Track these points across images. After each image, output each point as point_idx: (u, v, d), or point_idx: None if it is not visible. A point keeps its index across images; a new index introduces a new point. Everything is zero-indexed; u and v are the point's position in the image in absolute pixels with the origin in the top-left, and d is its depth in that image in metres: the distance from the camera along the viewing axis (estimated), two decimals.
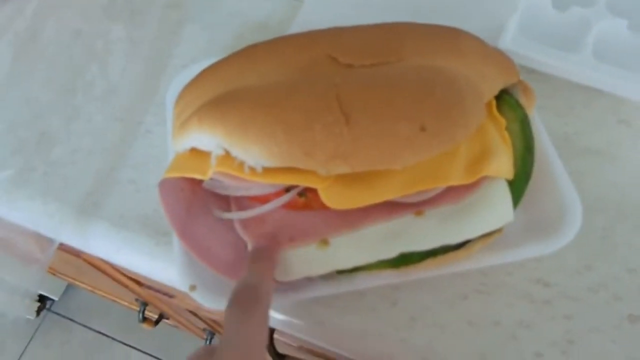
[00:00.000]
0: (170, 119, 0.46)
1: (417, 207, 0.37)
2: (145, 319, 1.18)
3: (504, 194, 0.37)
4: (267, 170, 0.35)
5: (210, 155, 0.36)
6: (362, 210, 0.36)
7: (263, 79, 0.38)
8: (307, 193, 0.38)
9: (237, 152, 0.34)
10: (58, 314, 1.64)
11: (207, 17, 0.59)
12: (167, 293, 0.87)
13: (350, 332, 0.42)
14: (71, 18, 0.59)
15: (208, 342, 1.19)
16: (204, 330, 1.16)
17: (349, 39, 0.40)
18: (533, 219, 0.39)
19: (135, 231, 0.47)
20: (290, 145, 0.33)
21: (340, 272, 0.39)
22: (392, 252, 0.37)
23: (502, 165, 0.37)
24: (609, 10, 0.49)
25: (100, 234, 0.47)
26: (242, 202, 0.40)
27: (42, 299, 1.60)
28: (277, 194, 0.38)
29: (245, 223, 0.39)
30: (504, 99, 0.41)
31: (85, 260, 0.84)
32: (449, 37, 0.40)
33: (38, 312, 1.59)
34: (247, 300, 0.33)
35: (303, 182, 0.35)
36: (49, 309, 1.64)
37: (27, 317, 1.55)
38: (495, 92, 0.39)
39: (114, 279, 0.92)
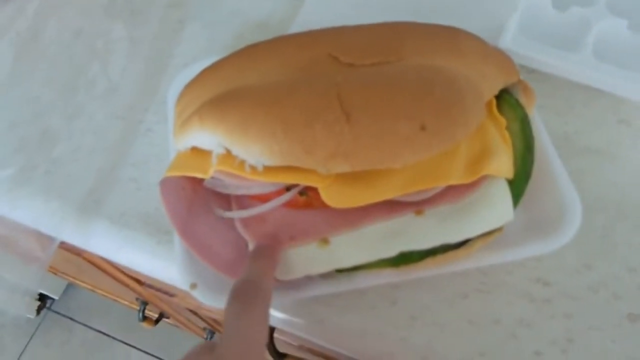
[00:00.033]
0: (171, 117, 0.46)
1: (417, 206, 0.37)
2: (145, 318, 1.18)
3: (504, 193, 0.37)
4: (267, 169, 0.35)
5: (211, 154, 0.36)
6: (363, 209, 0.36)
7: (264, 78, 0.38)
8: (308, 192, 0.38)
9: (238, 150, 0.35)
10: (58, 312, 1.64)
11: (207, 16, 0.59)
12: (167, 292, 0.87)
13: (350, 331, 0.42)
14: (72, 17, 0.59)
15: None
16: (204, 329, 1.16)
17: (349, 38, 0.40)
18: (533, 218, 0.39)
19: (137, 229, 0.47)
20: (291, 143, 0.33)
21: (340, 271, 0.39)
22: (392, 251, 0.37)
23: (502, 164, 0.37)
24: (609, 10, 0.49)
25: (101, 232, 0.47)
26: (243, 201, 0.40)
27: (42, 297, 1.60)
28: (278, 193, 0.38)
29: (246, 222, 0.39)
30: (504, 98, 0.41)
31: (85, 259, 0.84)
32: (449, 36, 0.40)
33: (38, 311, 1.59)
34: (248, 295, 0.33)
35: (304, 180, 0.35)
36: (49, 308, 1.64)
37: (28, 315, 1.55)
38: (496, 91, 0.39)
39: (115, 278, 0.92)
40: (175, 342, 1.51)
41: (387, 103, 0.34)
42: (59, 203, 0.48)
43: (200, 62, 0.43)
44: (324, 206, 0.36)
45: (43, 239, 0.51)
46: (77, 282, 1.25)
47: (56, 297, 1.61)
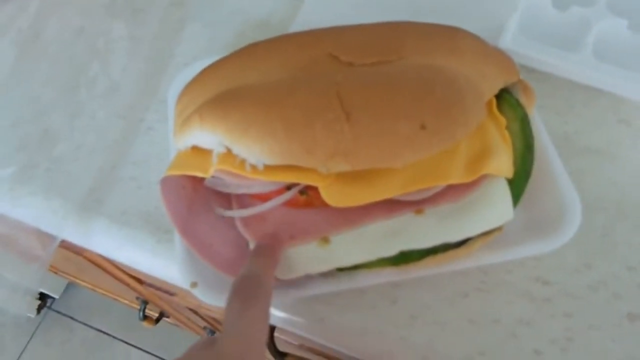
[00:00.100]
0: (171, 116, 0.46)
1: (417, 205, 0.37)
2: (145, 317, 1.18)
3: (504, 193, 0.37)
4: (268, 168, 0.35)
5: (212, 153, 0.36)
6: (363, 208, 0.36)
7: (264, 78, 0.38)
8: (308, 191, 0.38)
9: (239, 149, 0.35)
10: (59, 312, 1.64)
11: (208, 15, 0.59)
12: (168, 291, 0.88)
13: (350, 330, 0.42)
14: (73, 16, 0.59)
15: None
16: (204, 328, 1.16)
17: (350, 37, 0.40)
18: (533, 218, 0.40)
19: (137, 228, 0.47)
20: (291, 142, 0.33)
21: (341, 270, 0.39)
22: (392, 250, 0.37)
23: (502, 163, 0.37)
24: (609, 10, 0.49)
25: (102, 230, 0.47)
26: (244, 200, 0.40)
27: (42, 297, 1.60)
28: (278, 192, 0.38)
29: (246, 221, 0.39)
30: (504, 98, 0.41)
31: (86, 258, 0.84)
32: (449, 36, 0.40)
33: (39, 310, 1.59)
34: (249, 291, 0.33)
35: (304, 180, 0.35)
36: (49, 307, 1.64)
37: (28, 315, 1.55)
38: (496, 91, 0.40)
39: (115, 277, 0.92)
40: (176, 341, 1.51)
41: (387, 102, 0.34)
42: (60, 202, 0.48)
43: (201, 62, 0.43)
44: (324, 205, 0.36)
45: (44, 237, 0.51)
46: (78, 281, 1.25)
47: (56, 296, 1.61)
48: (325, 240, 0.38)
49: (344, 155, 0.33)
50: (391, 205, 0.37)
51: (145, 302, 1.13)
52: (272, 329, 0.64)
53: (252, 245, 0.38)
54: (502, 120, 0.39)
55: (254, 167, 0.35)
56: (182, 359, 0.31)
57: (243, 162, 0.35)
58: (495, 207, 0.37)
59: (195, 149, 0.38)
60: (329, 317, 0.42)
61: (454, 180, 0.36)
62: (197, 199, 0.41)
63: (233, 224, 0.40)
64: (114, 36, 0.58)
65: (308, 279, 0.39)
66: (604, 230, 0.43)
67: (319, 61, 0.38)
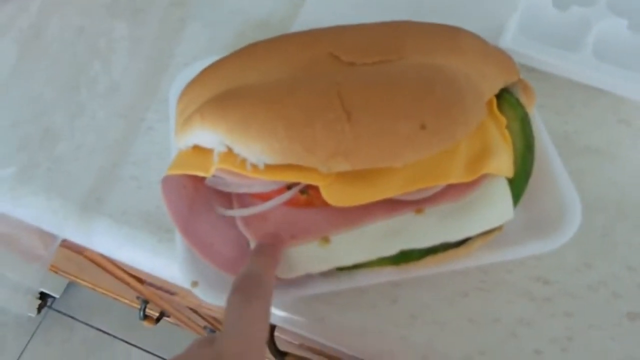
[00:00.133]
0: (172, 116, 0.47)
1: (417, 204, 0.37)
2: (146, 317, 1.18)
3: (504, 192, 0.37)
4: (269, 168, 0.35)
5: (213, 153, 0.36)
6: (363, 208, 0.36)
7: (265, 77, 0.38)
8: (309, 190, 0.38)
9: (239, 149, 0.35)
10: (59, 311, 1.64)
11: (208, 15, 0.59)
12: (168, 290, 0.88)
13: (350, 329, 0.42)
14: (74, 16, 0.59)
15: None
16: (204, 328, 1.16)
17: (350, 37, 0.40)
18: (533, 217, 0.40)
19: (138, 228, 0.47)
20: (292, 141, 0.33)
21: (341, 269, 0.39)
22: (392, 250, 0.37)
23: (503, 163, 0.37)
24: (609, 9, 0.49)
25: (103, 230, 0.47)
26: (244, 200, 0.40)
27: (43, 296, 1.60)
28: (279, 192, 0.38)
29: (247, 220, 0.39)
30: (505, 97, 0.41)
31: (86, 257, 0.84)
32: (449, 35, 0.40)
33: (39, 309, 1.59)
34: (249, 289, 0.33)
35: (304, 179, 0.35)
36: (50, 307, 1.65)
37: (29, 314, 1.55)
38: (496, 90, 0.40)
39: (116, 277, 0.92)
40: (176, 340, 1.51)
41: (388, 102, 0.34)
42: (61, 201, 0.48)
43: (201, 61, 0.44)
44: (324, 205, 0.36)
45: (45, 236, 0.51)
46: (78, 280, 1.25)
47: (57, 296, 1.61)
48: (326, 239, 0.38)
49: (345, 155, 0.33)
50: (391, 205, 0.37)
51: (145, 302, 1.13)
52: (273, 328, 0.64)
53: (252, 245, 0.38)
54: (503, 119, 0.39)
55: (254, 167, 0.35)
56: (182, 357, 0.31)
57: (244, 161, 0.35)
58: (495, 207, 0.37)
59: (196, 148, 0.38)
60: (329, 316, 0.42)
61: (454, 179, 0.36)
62: (198, 199, 0.41)
63: (234, 223, 0.40)
64: (115, 36, 0.58)
65: (308, 278, 0.39)
66: (604, 230, 0.43)
67: (319, 61, 0.38)
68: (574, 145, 0.46)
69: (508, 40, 0.49)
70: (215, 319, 1.01)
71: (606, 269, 0.41)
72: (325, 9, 0.56)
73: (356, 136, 0.33)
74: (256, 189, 0.39)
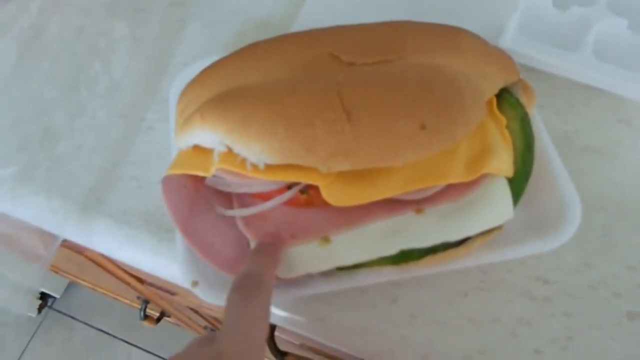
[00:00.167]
0: (172, 116, 0.47)
1: (417, 204, 0.38)
2: (146, 317, 1.18)
3: (504, 192, 0.37)
4: (269, 167, 0.35)
5: (213, 153, 0.36)
6: (363, 208, 0.36)
7: (265, 77, 0.38)
8: (309, 190, 0.38)
9: (239, 148, 0.35)
10: (59, 311, 1.64)
11: (208, 15, 0.59)
12: (168, 290, 0.88)
13: (350, 329, 0.42)
14: (74, 16, 0.59)
15: None
16: (205, 327, 1.16)
17: (350, 37, 0.40)
18: (533, 217, 0.40)
19: (138, 227, 0.47)
20: (292, 141, 0.33)
21: (341, 269, 0.39)
22: (392, 249, 0.37)
23: (502, 163, 0.37)
24: (609, 9, 0.49)
25: (103, 230, 0.47)
26: (244, 199, 0.40)
27: (43, 296, 1.60)
28: (279, 191, 0.38)
29: (247, 220, 0.39)
30: (505, 97, 0.41)
31: (87, 257, 0.84)
32: (449, 35, 0.40)
33: (40, 309, 1.59)
34: (249, 288, 0.33)
35: (304, 179, 0.35)
36: (50, 307, 1.65)
37: (29, 314, 1.55)
38: (496, 90, 0.40)
39: (116, 277, 0.92)
40: (177, 340, 1.51)
41: (388, 102, 0.34)
42: (61, 201, 0.49)
43: (202, 61, 0.44)
44: (325, 204, 0.36)
45: (45, 236, 0.51)
46: (79, 280, 1.25)
47: (57, 296, 1.61)
48: (326, 239, 0.38)
49: (345, 155, 0.33)
50: (391, 205, 0.37)
51: (146, 302, 1.13)
52: (273, 328, 0.64)
53: (253, 245, 0.38)
54: (502, 119, 0.39)
55: (254, 166, 0.35)
56: (181, 355, 0.31)
57: (244, 161, 0.35)
58: (495, 206, 0.37)
59: (197, 148, 0.38)
60: (330, 316, 0.42)
61: (454, 179, 0.36)
62: (198, 198, 0.41)
63: (234, 223, 0.40)
64: (115, 36, 0.58)
65: (309, 278, 0.39)
66: (604, 229, 0.43)
67: (320, 61, 0.39)
68: (574, 145, 0.46)
69: (508, 40, 0.49)
70: (215, 318, 1.01)
71: (606, 268, 0.42)
72: (325, 9, 0.56)
73: (356, 136, 0.33)
74: (256, 188, 0.39)
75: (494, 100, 0.40)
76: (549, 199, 0.40)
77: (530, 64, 0.49)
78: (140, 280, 0.90)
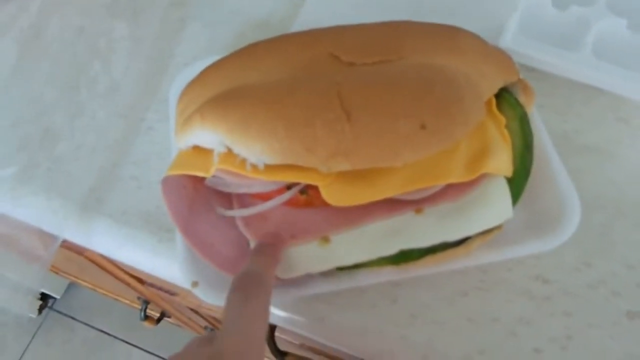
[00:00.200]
0: (172, 116, 0.47)
1: (417, 204, 0.38)
2: (147, 317, 1.18)
3: (503, 191, 0.37)
4: (268, 168, 0.35)
5: (213, 153, 0.36)
6: (363, 208, 0.37)
7: (265, 77, 0.38)
8: (309, 190, 0.38)
9: (239, 149, 0.35)
10: (60, 312, 1.64)
11: (208, 15, 0.59)
12: (169, 291, 0.88)
13: (350, 329, 0.42)
14: (74, 16, 0.59)
15: None
16: (205, 328, 1.16)
17: (350, 37, 0.40)
18: (532, 216, 0.40)
19: (138, 228, 0.47)
20: (292, 141, 0.33)
21: (341, 269, 0.39)
22: (392, 249, 0.37)
23: (502, 162, 0.37)
24: (608, 9, 0.49)
25: (103, 230, 0.48)
26: (244, 200, 0.40)
27: (44, 297, 1.60)
28: (279, 192, 0.39)
29: (247, 220, 0.39)
30: (504, 97, 0.41)
31: (87, 258, 0.84)
32: (449, 35, 0.40)
33: (40, 310, 1.59)
34: (249, 287, 0.33)
35: (304, 179, 0.35)
36: (51, 307, 1.65)
37: (29, 315, 1.55)
38: (495, 90, 0.40)
39: (116, 277, 0.92)
40: (177, 341, 1.50)
41: (387, 102, 0.34)
42: (61, 201, 0.49)
43: (201, 61, 0.44)
44: (324, 205, 0.36)
45: (45, 237, 0.51)
46: (79, 281, 1.25)
47: (58, 297, 1.61)
48: (326, 239, 0.38)
49: (345, 155, 0.33)
50: (391, 205, 0.37)
51: (146, 302, 1.13)
52: (273, 328, 0.64)
53: (253, 245, 0.38)
54: (502, 119, 0.39)
55: (254, 167, 0.35)
56: (181, 355, 0.31)
57: (244, 161, 0.35)
58: (494, 206, 0.37)
59: (197, 148, 0.38)
60: (329, 316, 0.42)
61: (454, 179, 0.36)
62: (198, 199, 0.41)
63: (234, 223, 0.40)
64: (115, 36, 0.58)
65: (308, 278, 0.39)
66: (603, 228, 0.43)
67: (319, 61, 0.39)
68: (573, 144, 0.46)
69: (508, 40, 0.49)
70: (215, 319, 1.01)
71: (605, 267, 0.42)
72: (325, 9, 0.57)
73: (356, 136, 0.33)
74: (256, 189, 0.39)
75: (493, 100, 0.40)
76: (548, 199, 0.40)
77: (529, 63, 0.49)
78: (140, 280, 0.90)
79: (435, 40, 0.39)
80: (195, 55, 0.56)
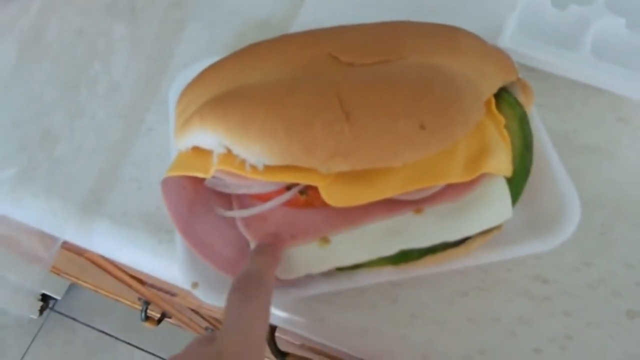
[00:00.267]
0: (172, 117, 0.47)
1: (416, 204, 0.38)
2: (147, 318, 1.18)
3: (503, 191, 0.37)
4: (268, 169, 0.35)
5: (212, 154, 0.36)
6: (363, 208, 0.37)
7: (264, 78, 0.38)
8: (308, 191, 0.38)
9: (239, 150, 0.35)
10: (61, 313, 1.64)
11: (208, 16, 0.59)
12: (169, 291, 0.88)
13: (350, 329, 0.42)
14: (74, 17, 0.59)
15: None
16: (206, 328, 1.16)
17: (350, 37, 0.40)
18: (532, 216, 0.40)
19: (138, 229, 0.47)
20: (291, 142, 0.33)
21: (341, 269, 0.39)
22: (392, 249, 0.37)
23: (501, 162, 0.37)
24: (607, 8, 0.49)
25: (103, 231, 0.48)
26: (244, 200, 0.40)
27: (45, 298, 1.60)
28: (279, 192, 0.39)
29: (247, 221, 0.39)
30: (503, 97, 0.41)
31: (88, 259, 0.84)
32: (448, 35, 0.40)
33: (41, 311, 1.59)
34: (250, 287, 0.33)
35: (304, 180, 0.35)
36: (51, 308, 1.65)
37: (30, 316, 1.55)
38: (495, 90, 0.40)
39: (117, 278, 0.92)
40: (178, 341, 1.51)
41: (387, 102, 0.34)
42: (61, 203, 0.49)
43: (201, 62, 0.44)
44: (324, 205, 0.36)
45: (46, 238, 0.51)
46: (80, 282, 1.25)
47: (59, 298, 1.61)
48: (326, 240, 0.38)
49: (344, 155, 0.33)
50: (391, 205, 0.37)
51: (147, 303, 1.13)
52: (273, 328, 0.64)
53: (252, 245, 0.38)
54: (501, 119, 0.39)
55: (254, 168, 0.35)
56: (181, 355, 0.31)
57: (243, 162, 0.35)
58: (494, 206, 0.37)
59: (196, 149, 0.38)
60: (330, 316, 0.42)
61: (453, 179, 0.36)
62: (198, 200, 0.41)
63: (234, 224, 0.40)
64: (114, 36, 0.58)
65: (308, 278, 0.39)
66: (603, 228, 0.43)
67: (319, 61, 0.39)
68: (573, 143, 0.46)
69: (507, 40, 0.49)
70: (216, 319, 1.01)
71: (605, 267, 0.42)
72: (325, 9, 0.57)
73: (355, 136, 0.33)
74: (255, 189, 0.39)
75: (493, 100, 0.40)
76: (548, 198, 0.40)
77: (529, 63, 0.49)
78: (141, 281, 0.91)
79: (435, 40, 0.39)
80: (195, 55, 0.56)
